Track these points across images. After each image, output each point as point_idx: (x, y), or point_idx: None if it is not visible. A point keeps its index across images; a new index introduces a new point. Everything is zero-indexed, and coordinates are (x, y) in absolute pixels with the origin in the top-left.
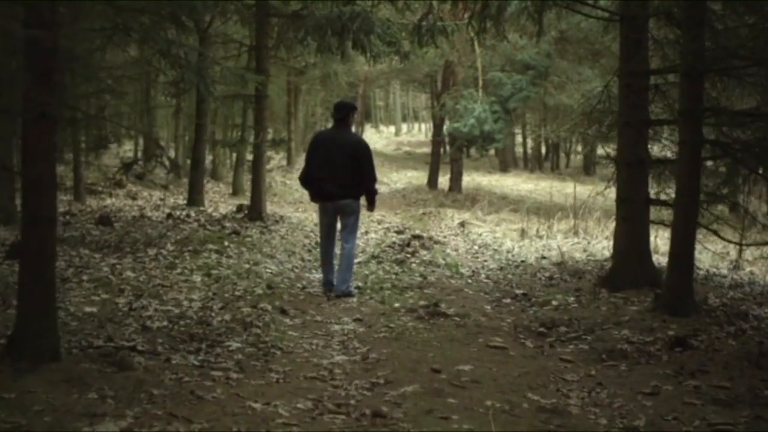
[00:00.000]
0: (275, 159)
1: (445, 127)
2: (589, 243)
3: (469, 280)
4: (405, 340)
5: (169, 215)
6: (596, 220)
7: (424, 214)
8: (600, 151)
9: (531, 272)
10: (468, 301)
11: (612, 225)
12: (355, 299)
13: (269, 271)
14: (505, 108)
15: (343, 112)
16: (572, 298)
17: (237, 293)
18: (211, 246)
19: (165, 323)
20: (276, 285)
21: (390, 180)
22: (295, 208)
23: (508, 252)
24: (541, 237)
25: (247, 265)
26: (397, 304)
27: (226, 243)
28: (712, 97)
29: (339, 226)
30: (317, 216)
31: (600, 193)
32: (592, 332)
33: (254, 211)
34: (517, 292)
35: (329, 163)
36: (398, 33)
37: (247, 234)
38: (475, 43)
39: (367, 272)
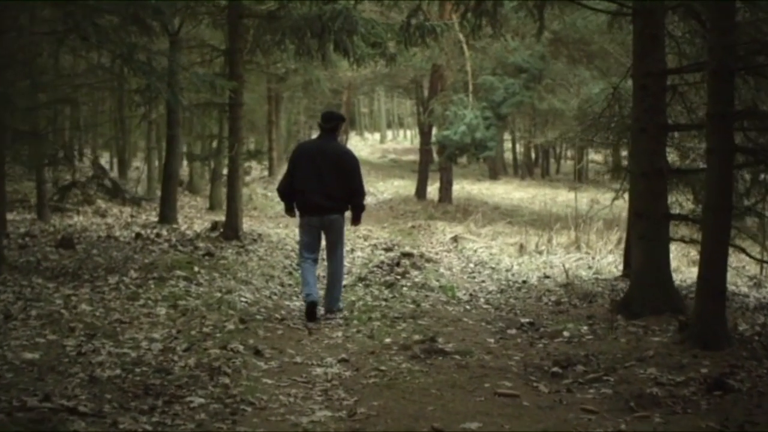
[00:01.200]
0: (256, 170)
1: (434, 135)
2: (593, 258)
3: (468, 306)
4: (399, 387)
5: (138, 235)
6: (597, 232)
7: (413, 227)
8: (594, 156)
9: (535, 296)
10: (468, 334)
11: (615, 237)
12: (340, 333)
13: (244, 300)
14: (497, 114)
15: (333, 123)
16: (585, 327)
17: (205, 329)
18: (179, 272)
19: (117, 371)
20: (251, 317)
21: (376, 190)
22: (275, 223)
23: (507, 271)
24: (540, 252)
25: (218, 294)
26: (388, 339)
27: (196, 268)
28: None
29: (324, 243)
30: (299, 232)
31: (607, 206)
32: (613, 371)
33: (230, 229)
34: (523, 320)
35: (316, 175)
36: (384, 33)
37: (221, 256)
38: (464, 45)
39: (353, 298)
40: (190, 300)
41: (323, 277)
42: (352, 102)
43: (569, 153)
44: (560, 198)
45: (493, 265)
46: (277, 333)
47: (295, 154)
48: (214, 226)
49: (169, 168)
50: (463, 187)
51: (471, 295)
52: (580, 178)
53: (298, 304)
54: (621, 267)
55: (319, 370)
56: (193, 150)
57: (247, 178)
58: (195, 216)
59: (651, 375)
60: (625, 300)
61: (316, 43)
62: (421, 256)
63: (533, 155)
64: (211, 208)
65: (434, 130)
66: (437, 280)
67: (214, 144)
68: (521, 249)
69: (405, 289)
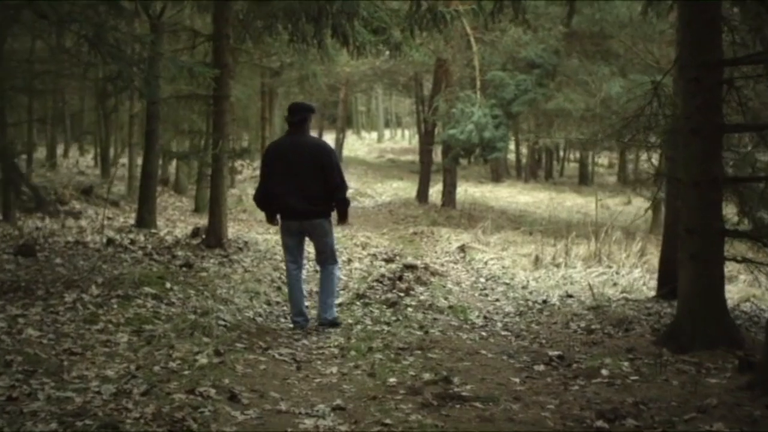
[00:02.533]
0: (248, 168)
1: (437, 134)
2: (617, 273)
3: (484, 333)
4: None
5: (110, 241)
6: (617, 242)
7: (415, 234)
8: (598, 159)
9: (561, 320)
10: (489, 371)
11: (637, 247)
12: (335, 369)
13: (222, 323)
14: (507, 112)
15: (300, 115)
16: (626, 364)
17: (172, 363)
18: (148, 289)
19: (53, 426)
20: (229, 346)
21: (374, 192)
22: (265, 227)
23: (523, 288)
24: (558, 265)
25: (192, 316)
26: (392, 379)
27: (168, 284)
28: None
29: (315, 252)
30: (281, 237)
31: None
32: (672, 426)
33: (213, 237)
34: (551, 353)
35: (291, 175)
36: (388, 17)
37: (201, 267)
38: (472, 38)
39: (351, 320)
40: (158, 324)
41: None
42: (349, 100)
43: (572, 155)
44: (568, 202)
45: (507, 281)
46: (259, 368)
47: (267, 156)
48: (196, 231)
49: (148, 167)
50: (465, 190)
51: (486, 318)
52: (584, 181)
53: (287, 325)
54: (653, 285)
55: (308, 423)
56: (176, 147)
57: (238, 177)
58: (178, 219)
59: None
60: (671, 330)
61: (311, 29)
62: (426, 268)
63: (537, 157)
64: (197, 210)
65: (437, 129)
66: (446, 299)
67: (196, 141)
68: (536, 261)
69: (410, 310)
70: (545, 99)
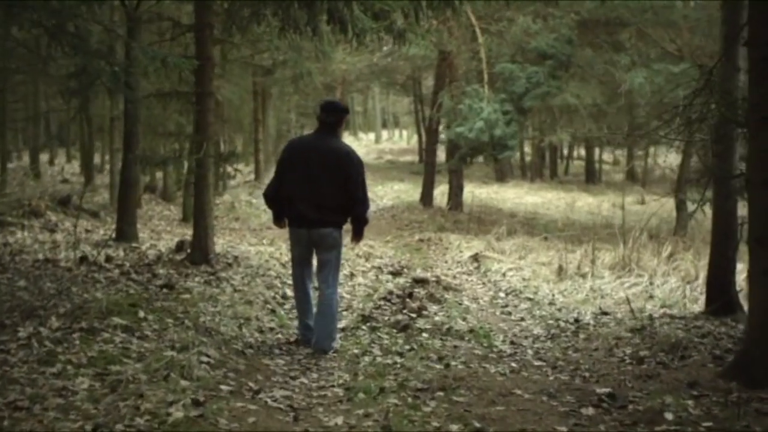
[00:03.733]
0: (243, 173)
1: (442, 133)
2: (651, 284)
3: (514, 365)
4: None
5: (83, 259)
6: (642, 246)
7: (421, 241)
8: (605, 156)
9: (602, 346)
10: (528, 418)
11: (666, 252)
12: (341, 420)
13: (205, 360)
14: (518, 107)
15: (336, 116)
16: (691, 402)
17: (139, 419)
18: (118, 319)
19: None
20: (211, 391)
21: (375, 195)
22: (259, 238)
23: (550, 304)
24: (584, 276)
25: (170, 353)
26: None
27: (141, 313)
28: None
29: (315, 263)
30: (288, 245)
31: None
32: None
33: (198, 252)
34: (599, 391)
35: (310, 180)
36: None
37: (183, 288)
38: (477, 29)
39: (356, 350)
40: (127, 364)
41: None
42: (346, 99)
43: (575, 153)
44: (579, 203)
45: (530, 295)
46: (247, 421)
47: (285, 153)
48: (180, 245)
49: (127, 174)
50: (471, 192)
51: (513, 343)
52: (591, 179)
53: (281, 361)
54: (695, 297)
55: None
56: (163, 151)
57: (232, 183)
58: (164, 229)
59: None
60: (740, 359)
61: (304, 15)
62: (438, 282)
63: (541, 155)
64: (185, 219)
65: (440, 128)
66: (464, 319)
67: (181, 143)
68: (560, 272)
69: (425, 335)
70: (560, 92)
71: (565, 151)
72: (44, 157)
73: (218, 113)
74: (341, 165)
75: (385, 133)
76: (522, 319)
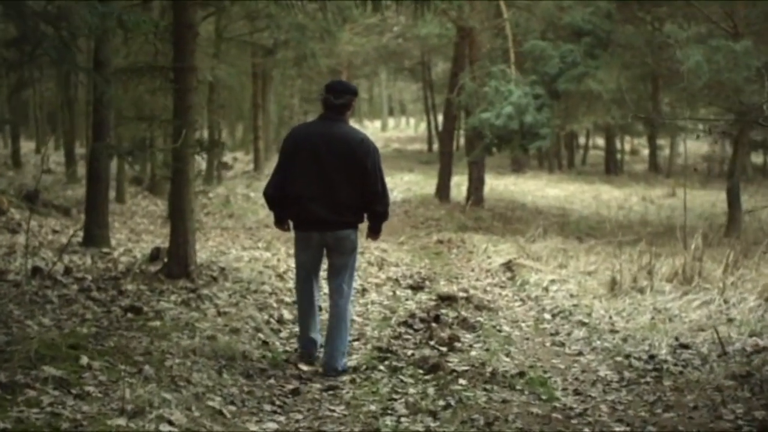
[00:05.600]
0: (242, 162)
1: (470, 119)
2: (725, 302)
3: (587, 431)
4: None
5: (36, 271)
6: (696, 251)
7: (440, 243)
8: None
9: (702, 401)
10: None
11: (728, 259)
12: None
13: (167, 431)
14: (551, 91)
15: (344, 97)
16: None
17: None
18: (51, 369)
19: None
20: None
21: None
22: (254, 239)
23: (611, 332)
24: (641, 291)
25: (117, 420)
26: None
27: (84, 359)
28: None
29: (328, 272)
30: (294, 250)
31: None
32: None
33: (175, 264)
34: None
35: (320, 174)
36: None
37: (153, 312)
38: (502, 2)
39: (373, 405)
40: None
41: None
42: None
43: (591, 142)
44: (604, 195)
45: (582, 317)
46: None
47: (289, 143)
48: (156, 254)
49: (96, 167)
50: (488, 185)
51: (578, 393)
52: (611, 170)
53: (272, 426)
54: None
55: None
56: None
57: (229, 174)
58: (145, 229)
59: None
60: None
61: None
62: (468, 299)
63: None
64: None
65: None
66: (507, 354)
67: (159, 130)
68: (613, 286)
69: (462, 382)
70: (599, 73)
71: (582, 140)
72: (30, 145)
73: (212, 97)
74: (356, 155)
75: (391, 121)
76: (580, 353)
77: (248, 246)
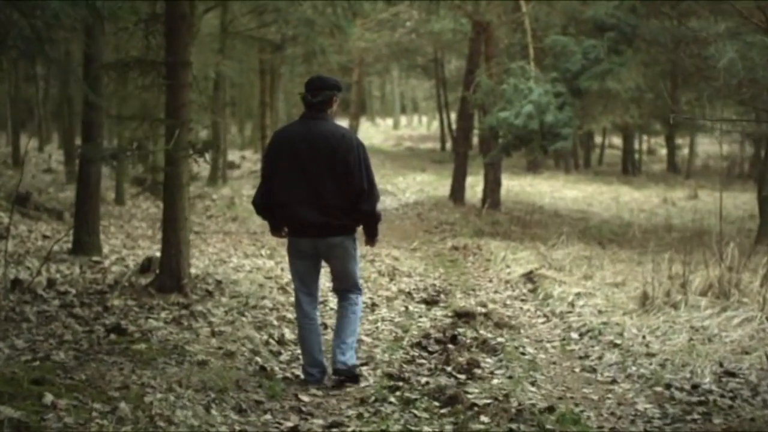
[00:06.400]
0: (250, 161)
1: (487, 118)
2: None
3: None
4: None
5: (15, 283)
6: (729, 260)
7: (455, 249)
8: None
9: None
10: None
11: (764, 269)
12: None
13: None
14: (572, 89)
15: (322, 94)
16: None
17: None
18: (8, 410)
19: None
20: None
21: (396, 188)
22: (258, 246)
23: (648, 355)
24: (675, 306)
25: None
26: None
27: (49, 396)
28: None
29: (332, 279)
30: (288, 260)
31: None
32: None
33: (167, 276)
34: None
35: (304, 176)
36: None
37: (141, 331)
38: None
39: None
40: None
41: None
42: (363, 83)
43: (607, 141)
44: (624, 197)
45: (614, 338)
46: None
47: (271, 149)
48: (147, 265)
49: (86, 169)
50: (503, 185)
51: (614, 429)
52: (628, 170)
53: None
54: None
55: None
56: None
57: (236, 173)
58: (143, 234)
59: None
60: None
61: None
62: (487, 316)
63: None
64: None
65: (472, 109)
66: (533, 383)
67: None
68: (644, 300)
69: (484, 419)
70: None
71: (598, 139)
72: (34, 143)
73: (217, 95)
74: (337, 152)
75: (403, 119)
76: (614, 381)
77: (250, 253)
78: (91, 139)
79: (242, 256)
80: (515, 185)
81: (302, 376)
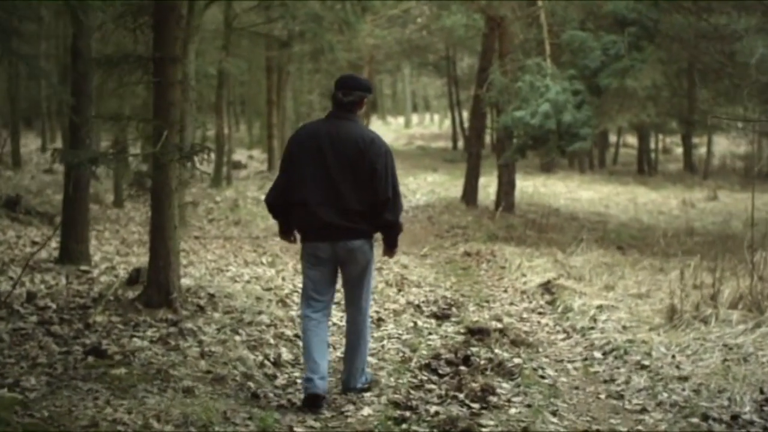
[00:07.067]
0: (257, 160)
1: (501, 117)
2: None
3: None
4: None
5: None
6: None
7: (468, 255)
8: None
9: None
10: None
11: None
12: None
13: None
14: (591, 86)
15: (354, 94)
16: None
17: None
18: None
19: None
20: None
21: (407, 189)
22: (259, 252)
23: (678, 378)
24: (705, 321)
25: None
26: None
27: None
28: None
29: (343, 288)
30: (302, 268)
31: None
32: None
33: (155, 290)
34: None
35: (327, 177)
36: None
37: (121, 353)
38: None
39: None
40: None
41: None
42: (373, 80)
43: (621, 140)
44: (641, 198)
45: (641, 358)
46: None
47: (292, 145)
48: (135, 276)
49: (74, 174)
50: (516, 185)
51: None
52: (644, 170)
53: None
54: None
55: None
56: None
57: (242, 174)
58: (138, 240)
59: None
60: None
61: None
62: (502, 331)
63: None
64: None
65: (486, 109)
66: (554, 413)
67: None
68: (671, 314)
69: None
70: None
71: (612, 138)
72: (36, 143)
73: (221, 93)
74: (365, 156)
75: (415, 118)
76: (644, 410)
77: (251, 260)
78: (78, 139)
79: (241, 264)
80: (529, 186)
81: (300, 381)
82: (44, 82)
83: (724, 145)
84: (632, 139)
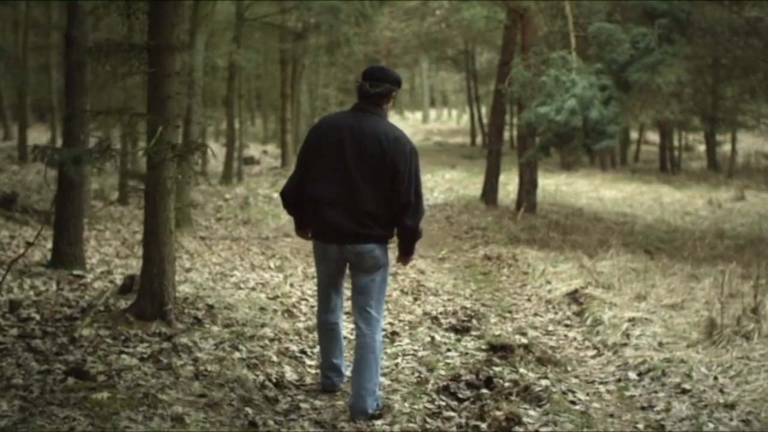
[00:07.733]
0: (272, 156)
1: (524, 113)
2: None
3: None
4: None
5: None
6: None
7: (488, 259)
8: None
9: None
10: None
11: None
12: None
13: None
14: (619, 81)
15: (383, 87)
16: None
17: None
18: None
19: None
20: None
21: (424, 186)
22: (267, 255)
23: (724, 406)
24: (747, 337)
25: None
26: None
27: None
28: None
29: (351, 293)
30: (314, 260)
31: None
32: None
33: (147, 300)
34: None
35: (343, 174)
36: None
37: (105, 374)
38: None
39: None
40: None
41: None
42: None
43: (642, 137)
44: (666, 198)
45: (681, 380)
46: None
47: (312, 136)
48: (129, 284)
49: (65, 169)
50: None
51: None
52: (666, 168)
53: None
54: None
55: None
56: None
57: (255, 170)
58: (139, 241)
59: None
60: None
61: None
62: (528, 348)
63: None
64: (177, 224)
65: (506, 104)
66: None
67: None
68: (711, 329)
69: None
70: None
71: (634, 135)
72: (47, 136)
73: (232, 86)
74: (388, 154)
75: (433, 113)
76: None
77: (258, 264)
78: (72, 133)
79: (248, 268)
80: (550, 184)
81: (319, 381)
82: (55, 73)
83: (749, 143)
84: (653, 137)
